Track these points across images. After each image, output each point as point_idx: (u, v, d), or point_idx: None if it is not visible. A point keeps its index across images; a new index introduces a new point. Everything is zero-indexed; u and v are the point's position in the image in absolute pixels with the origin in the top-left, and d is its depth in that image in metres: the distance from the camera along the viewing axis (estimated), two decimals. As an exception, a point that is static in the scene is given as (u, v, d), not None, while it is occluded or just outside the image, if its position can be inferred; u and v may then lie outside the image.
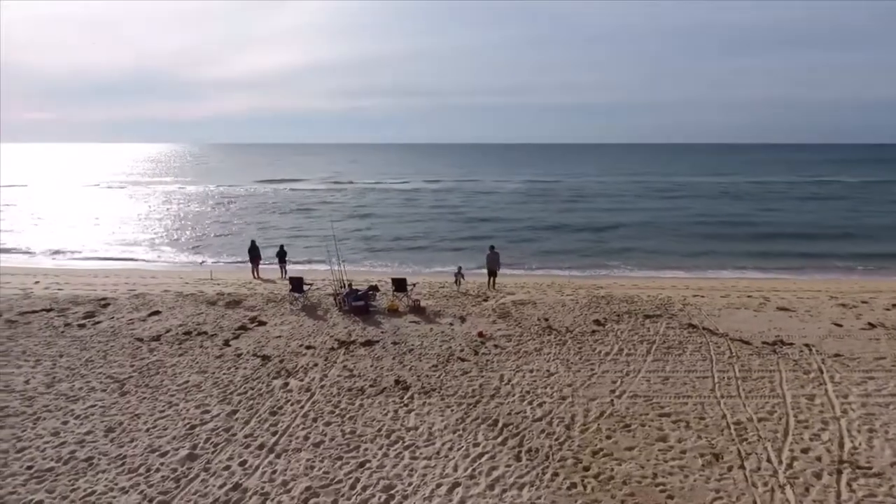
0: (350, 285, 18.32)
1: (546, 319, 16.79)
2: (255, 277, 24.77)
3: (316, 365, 13.41)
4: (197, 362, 13.56)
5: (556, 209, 53.32)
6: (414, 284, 19.69)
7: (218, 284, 22.34)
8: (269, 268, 25.81)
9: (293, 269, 25.39)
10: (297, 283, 18.51)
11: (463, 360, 13.72)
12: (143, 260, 31.56)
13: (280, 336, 15.38)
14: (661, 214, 49.30)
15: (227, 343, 14.87)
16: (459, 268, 21.20)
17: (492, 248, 21.37)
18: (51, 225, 43.70)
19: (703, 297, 19.96)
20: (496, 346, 14.53)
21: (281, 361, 13.61)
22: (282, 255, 24.95)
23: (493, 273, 21.22)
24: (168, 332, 15.73)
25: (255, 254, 24.79)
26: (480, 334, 15.28)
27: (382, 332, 15.64)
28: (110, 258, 31.76)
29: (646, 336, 15.27)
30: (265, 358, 13.84)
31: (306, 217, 49.60)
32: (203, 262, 30.98)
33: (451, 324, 16.43)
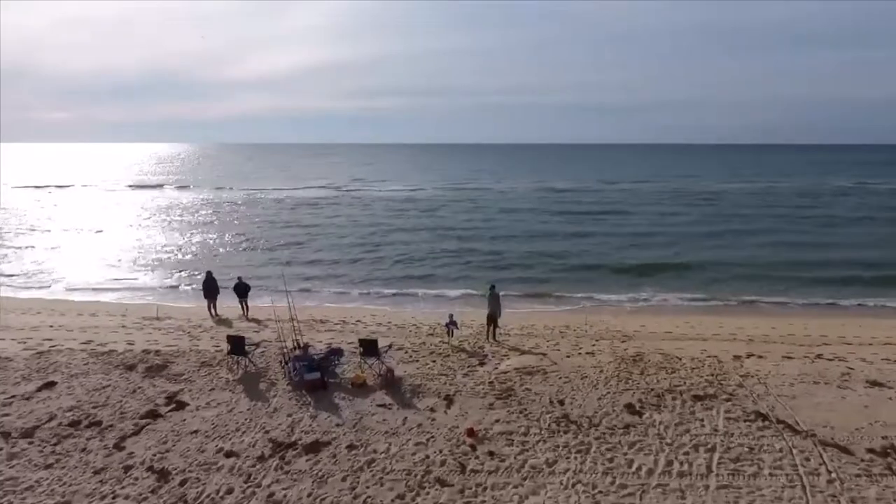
0: (305, 347, 14.18)
1: (561, 402, 12.52)
2: (211, 316, 20.81)
3: (230, 492, 9.30)
4: (63, 483, 9.51)
5: (578, 220, 48.67)
6: (389, 347, 15.53)
7: (157, 330, 18.36)
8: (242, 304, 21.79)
9: (257, 306, 21.38)
10: (237, 344, 14.40)
11: (443, 483, 9.55)
12: (103, 287, 27.68)
13: (197, 431, 11.27)
14: (693, 226, 44.66)
15: (120, 444, 10.80)
16: (451, 316, 17.02)
17: (492, 288, 17.16)
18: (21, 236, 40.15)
19: (761, 357, 15.59)
20: (491, 455, 10.34)
21: (182, 484, 9.52)
22: (241, 290, 20.91)
23: (493, 319, 17.02)
24: (51, 420, 11.71)
25: (211, 288, 20.79)
26: (470, 432, 11.08)
27: (338, 426, 11.48)
28: (67, 287, 27.98)
29: (700, 436, 10.98)
30: (162, 475, 9.76)
31: (306, 232, 45.54)
32: (180, 286, 27.37)
33: (432, 409, 12.24)
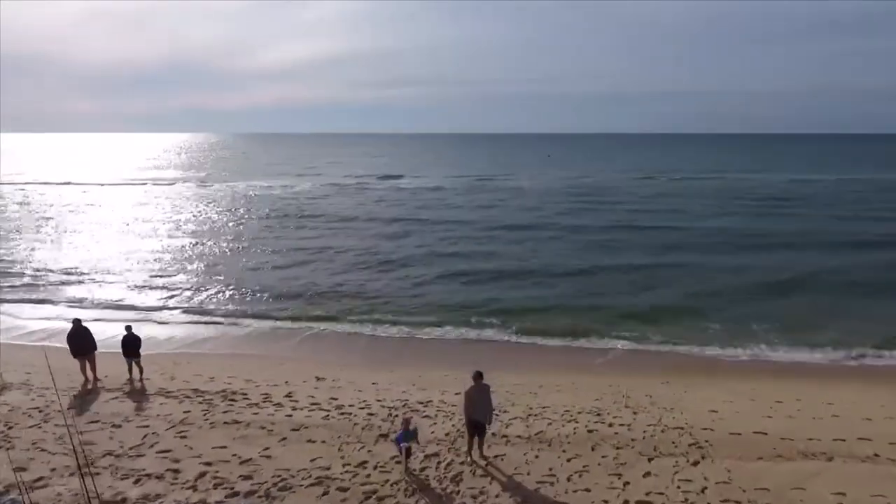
0: None
1: None
2: (86, 377, 14.58)
3: None
4: None
5: (606, 224, 40.73)
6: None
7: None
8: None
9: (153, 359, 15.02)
10: None
11: None
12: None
13: None
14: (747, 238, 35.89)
15: None
16: (407, 423, 10.15)
17: (478, 376, 10.31)
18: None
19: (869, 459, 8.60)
20: None
21: None
22: (130, 345, 14.57)
23: (478, 428, 10.24)
24: None
25: (79, 341, 14.46)
26: None
27: None
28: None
29: None
30: None
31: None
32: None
33: None
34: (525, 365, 16.61)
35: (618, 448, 10.88)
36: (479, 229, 38.72)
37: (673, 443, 11.11)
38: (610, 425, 12.00)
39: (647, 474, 9.88)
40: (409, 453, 10.03)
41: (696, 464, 10.24)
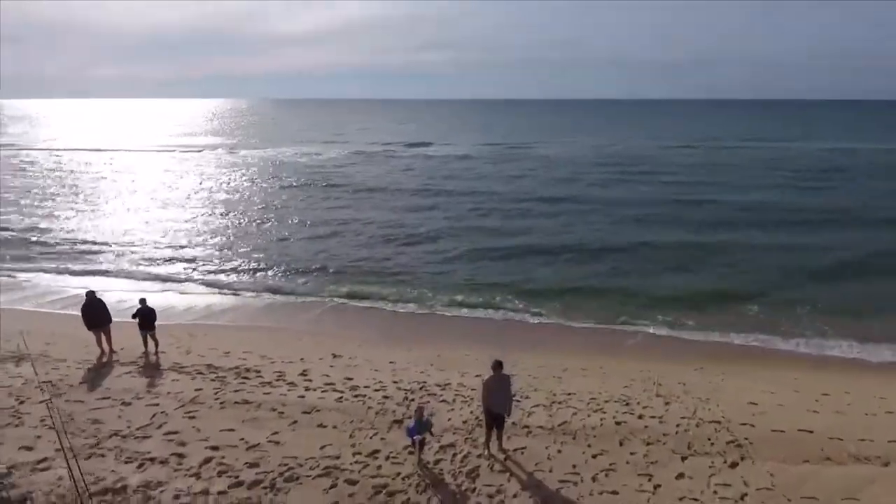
0: None
1: None
2: (102, 350, 14.40)
3: None
4: None
5: (641, 197, 38.26)
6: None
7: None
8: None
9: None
10: None
11: None
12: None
13: None
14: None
15: None
16: (420, 413, 9.53)
17: (498, 365, 9.56)
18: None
19: None
20: None
21: None
22: (145, 318, 14.27)
23: (497, 420, 9.56)
24: None
25: (93, 313, 14.22)
26: None
27: None
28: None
29: None
30: None
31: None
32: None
33: None
34: (550, 346, 15.86)
35: (648, 444, 10.09)
36: (508, 201, 37.35)
37: (709, 439, 10.26)
38: (640, 417, 11.19)
39: (681, 476, 9.10)
40: (422, 445, 9.43)
41: (734, 465, 9.40)
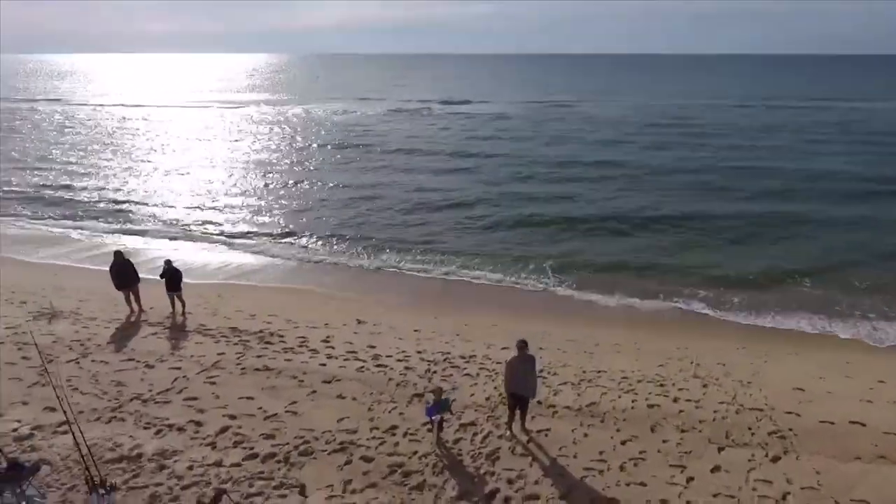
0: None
1: None
2: (131, 309, 14.54)
3: None
4: None
5: (696, 163, 35.67)
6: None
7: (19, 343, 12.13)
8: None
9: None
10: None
11: None
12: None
13: None
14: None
15: None
16: (439, 393, 9.11)
17: (523, 345, 8.98)
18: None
19: None
20: None
21: None
22: (171, 279, 14.25)
23: (520, 402, 9.07)
24: None
25: (121, 273, 14.28)
26: None
27: None
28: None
29: None
30: None
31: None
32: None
33: None
34: (582, 319, 15.21)
35: (682, 431, 9.45)
36: (548, 165, 35.67)
37: (749, 429, 9.54)
38: (675, 400, 10.53)
39: (717, 469, 8.46)
40: (441, 424, 9.05)
41: (776, 460, 8.69)
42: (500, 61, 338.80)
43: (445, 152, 40.81)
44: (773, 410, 10.12)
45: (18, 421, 9.52)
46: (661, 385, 11.11)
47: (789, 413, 10.04)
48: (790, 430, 9.51)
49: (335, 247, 21.56)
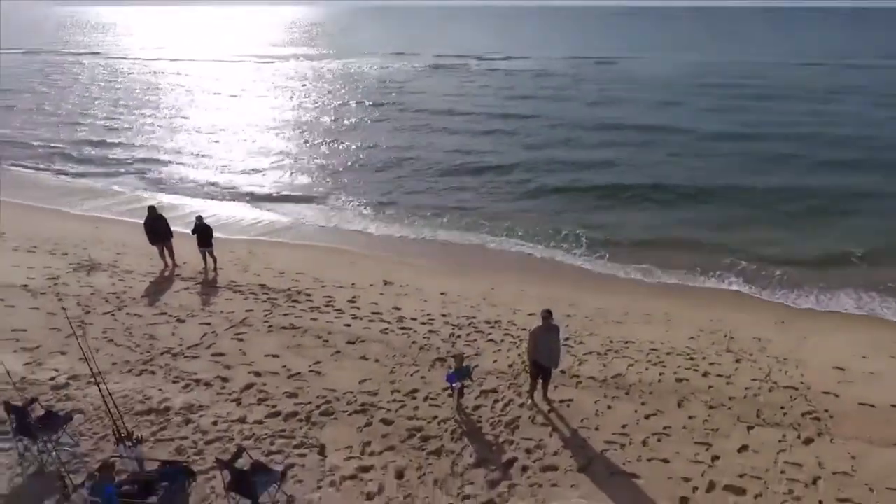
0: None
1: None
2: (165, 263, 14.91)
3: None
4: None
5: (758, 128, 32.99)
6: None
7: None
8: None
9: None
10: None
11: None
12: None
13: None
14: None
15: None
16: (460, 360, 9.03)
17: (547, 314, 8.78)
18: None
19: None
20: None
21: None
22: (202, 235, 14.46)
23: (543, 371, 8.92)
24: None
25: (154, 227, 14.55)
26: None
27: None
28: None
29: None
30: None
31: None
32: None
33: None
34: (612, 287, 14.81)
35: (710, 407, 9.18)
36: (592, 129, 33.68)
37: (782, 408, 9.19)
38: (704, 374, 10.21)
39: (744, 448, 8.20)
40: (462, 391, 9.01)
41: (808, 442, 8.37)
42: (543, 14, 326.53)
43: (483, 112, 39.48)
44: (809, 390, 9.71)
45: (56, 370, 9.93)
46: (692, 358, 10.78)
47: (826, 393, 9.62)
48: (826, 411, 9.12)
49: (366, 209, 21.36)
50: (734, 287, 14.86)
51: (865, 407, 9.27)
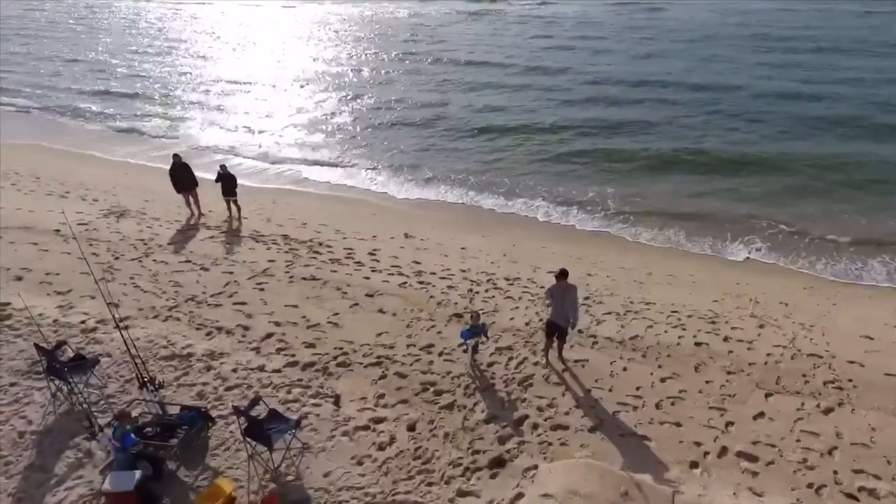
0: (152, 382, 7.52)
1: None
2: (191, 212, 15.14)
3: None
4: None
5: (819, 88, 29.50)
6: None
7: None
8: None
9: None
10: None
11: None
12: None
13: None
14: None
15: None
16: (475, 317, 8.99)
17: (562, 274, 8.63)
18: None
19: None
20: None
21: None
22: (226, 184, 14.58)
23: (559, 331, 8.85)
24: None
25: (179, 176, 14.70)
26: None
27: None
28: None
29: None
30: None
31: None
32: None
33: None
34: (636, 247, 14.50)
35: (729, 373, 9.02)
36: (632, 86, 30.92)
37: (804, 376, 8.98)
38: (725, 339, 10.00)
39: (760, 415, 8.08)
40: (476, 347, 9.04)
41: (828, 411, 8.19)
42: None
43: (517, 65, 37.19)
44: (834, 358, 9.44)
45: (86, 314, 10.29)
46: (713, 322, 10.56)
47: (851, 362, 9.34)
48: (849, 380, 8.87)
49: (391, 165, 20.85)
50: (764, 255, 14.25)
51: (892, 378, 8.99)
